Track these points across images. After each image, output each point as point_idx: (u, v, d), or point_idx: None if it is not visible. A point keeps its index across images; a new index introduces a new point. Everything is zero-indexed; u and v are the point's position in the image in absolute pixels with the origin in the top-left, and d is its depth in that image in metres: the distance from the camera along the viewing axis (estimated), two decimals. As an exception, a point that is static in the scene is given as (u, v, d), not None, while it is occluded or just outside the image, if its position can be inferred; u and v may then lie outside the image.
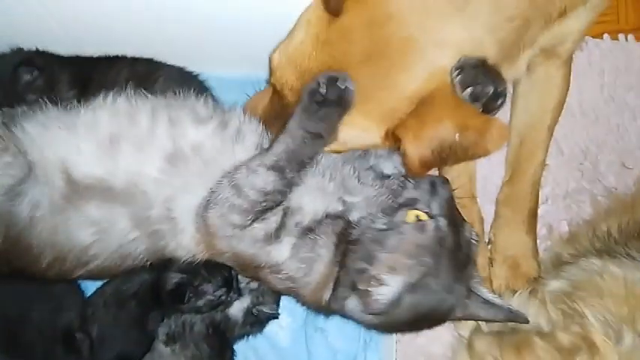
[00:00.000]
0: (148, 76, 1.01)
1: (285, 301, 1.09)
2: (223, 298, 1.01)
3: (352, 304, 0.81)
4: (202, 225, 0.82)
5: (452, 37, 0.73)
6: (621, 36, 1.35)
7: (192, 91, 0.94)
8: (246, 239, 0.81)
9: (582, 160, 1.29)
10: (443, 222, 0.80)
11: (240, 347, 1.10)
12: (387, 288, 0.78)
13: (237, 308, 1.06)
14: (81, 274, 0.88)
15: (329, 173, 0.87)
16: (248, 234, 0.81)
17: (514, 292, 0.93)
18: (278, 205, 0.82)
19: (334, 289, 0.83)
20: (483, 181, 1.23)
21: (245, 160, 0.83)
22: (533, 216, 1.12)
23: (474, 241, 0.84)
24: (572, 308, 0.84)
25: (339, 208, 0.85)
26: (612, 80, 1.32)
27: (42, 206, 0.83)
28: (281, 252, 0.82)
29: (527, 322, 0.79)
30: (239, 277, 1.03)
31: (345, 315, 0.85)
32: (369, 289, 0.78)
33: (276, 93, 0.85)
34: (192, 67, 1.10)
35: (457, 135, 0.71)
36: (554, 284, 0.91)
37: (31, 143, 0.85)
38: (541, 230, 1.21)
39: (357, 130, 0.80)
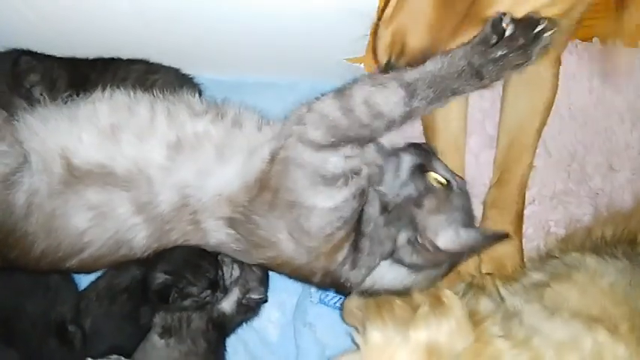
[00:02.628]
0: (145, 77, 1.03)
1: (275, 297, 1.12)
2: (209, 299, 1.04)
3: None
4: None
5: None
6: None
7: (187, 89, 0.98)
8: (309, 167, 0.81)
9: (570, 162, 1.31)
10: (457, 180, 0.90)
11: (231, 341, 1.12)
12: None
13: (229, 302, 1.09)
14: (73, 263, 0.89)
15: None
16: (318, 161, 0.80)
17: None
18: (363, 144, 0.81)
19: (354, 256, 0.86)
20: (472, 181, 1.23)
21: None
22: (519, 217, 1.14)
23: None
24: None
25: None
26: (601, 84, 1.34)
27: (40, 193, 0.85)
28: (328, 200, 0.82)
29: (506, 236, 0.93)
30: (224, 271, 1.06)
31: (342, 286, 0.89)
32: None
33: None
34: (185, 69, 1.12)
35: None
36: (535, 276, 0.95)
37: (31, 133, 0.88)
38: (527, 230, 1.23)
39: None
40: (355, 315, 0.82)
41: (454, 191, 0.89)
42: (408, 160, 0.90)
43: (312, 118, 0.80)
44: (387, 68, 0.81)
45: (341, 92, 0.79)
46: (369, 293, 0.89)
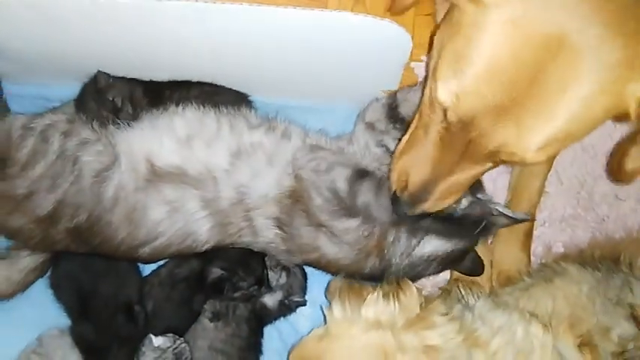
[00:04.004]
0: (211, 95, 1.19)
1: (308, 294, 1.27)
2: (255, 293, 1.20)
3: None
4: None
5: None
6: (622, 81, 1.48)
7: (245, 106, 1.16)
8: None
9: (579, 190, 1.43)
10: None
11: (267, 329, 1.27)
12: None
13: (273, 300, 1.25)
14: (145, 251, 1.04)
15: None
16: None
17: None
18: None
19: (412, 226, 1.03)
20: (489, 203, 1.39)
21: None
22: (527, 236, 1.27)
23: None
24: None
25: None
26: (611, 121, 1.45)
27: (126, 188, 1.01)
28: (352, 221, 1.02)
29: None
30: (270, 276, 1.23)
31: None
32: None
33: (451, 132, 0.77)
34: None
35: None
36: (528, 281, 1.08)
37: (121, 139, 1.05)
38: (537, 249, 1.35)
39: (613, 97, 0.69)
40: (332, 293, 1.00)
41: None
42: None
43: (322, 184, 1.02)
44: (394, 199, 0.94)
45: (356, 182, 1.01)
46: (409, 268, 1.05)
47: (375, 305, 0.93)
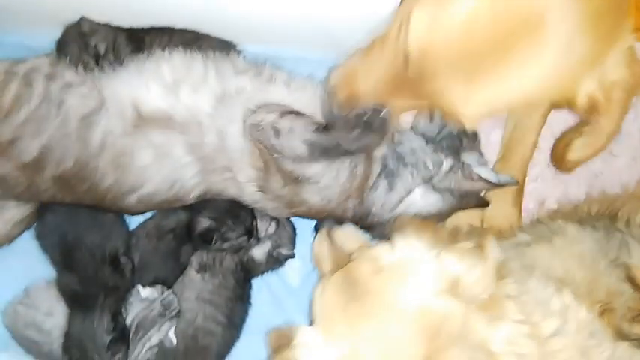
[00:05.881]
0: (194, 43, 1.15)
1: (298, 248, 1.26)
2: (244, 243, 1.19)
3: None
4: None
5: None
6: (622, 34, 1.45)
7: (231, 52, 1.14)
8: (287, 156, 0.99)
9: (573, 146, 1.41)
10: None
11: (256, 282, 1.27)
12: None
13: (260, 252, 1.24)
14: (133, 199, 1.04)
15: None
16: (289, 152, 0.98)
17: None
18: None
19: (390, 180, 1.03)
20: (482, 158, 1.36)
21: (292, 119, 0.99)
22: (519, 192, 1.26)
23: None
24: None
25: None
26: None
27: (113, 133, 1.00)
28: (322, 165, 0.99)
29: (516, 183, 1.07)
30: (259, 226, 1.21)
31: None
32: None
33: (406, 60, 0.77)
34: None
35: None
36: (521, 237, 1.07)
37: (107, 83, 1.03)
38: (528, 205, 1.35)
39: (557, 82, 0.73)
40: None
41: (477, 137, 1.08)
42: None
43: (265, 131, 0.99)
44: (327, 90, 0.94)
45: (276, 128, 0.98)
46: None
47: (462, 258, 0.69)
